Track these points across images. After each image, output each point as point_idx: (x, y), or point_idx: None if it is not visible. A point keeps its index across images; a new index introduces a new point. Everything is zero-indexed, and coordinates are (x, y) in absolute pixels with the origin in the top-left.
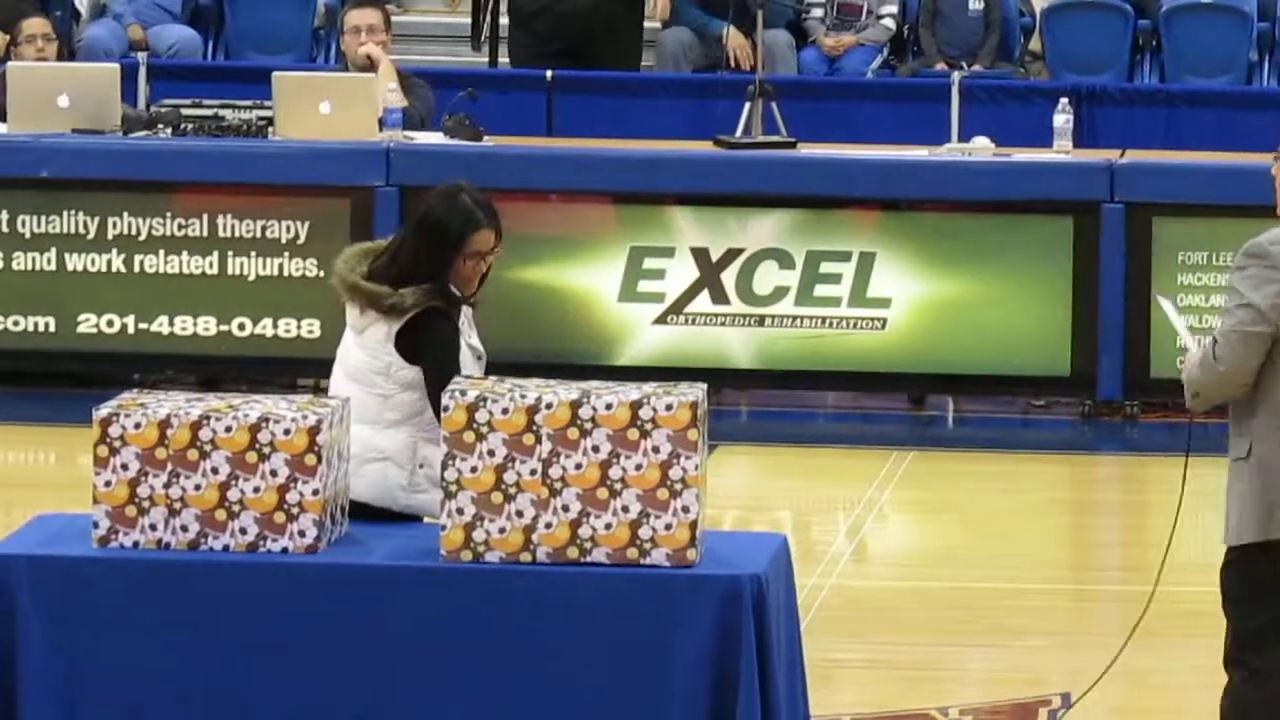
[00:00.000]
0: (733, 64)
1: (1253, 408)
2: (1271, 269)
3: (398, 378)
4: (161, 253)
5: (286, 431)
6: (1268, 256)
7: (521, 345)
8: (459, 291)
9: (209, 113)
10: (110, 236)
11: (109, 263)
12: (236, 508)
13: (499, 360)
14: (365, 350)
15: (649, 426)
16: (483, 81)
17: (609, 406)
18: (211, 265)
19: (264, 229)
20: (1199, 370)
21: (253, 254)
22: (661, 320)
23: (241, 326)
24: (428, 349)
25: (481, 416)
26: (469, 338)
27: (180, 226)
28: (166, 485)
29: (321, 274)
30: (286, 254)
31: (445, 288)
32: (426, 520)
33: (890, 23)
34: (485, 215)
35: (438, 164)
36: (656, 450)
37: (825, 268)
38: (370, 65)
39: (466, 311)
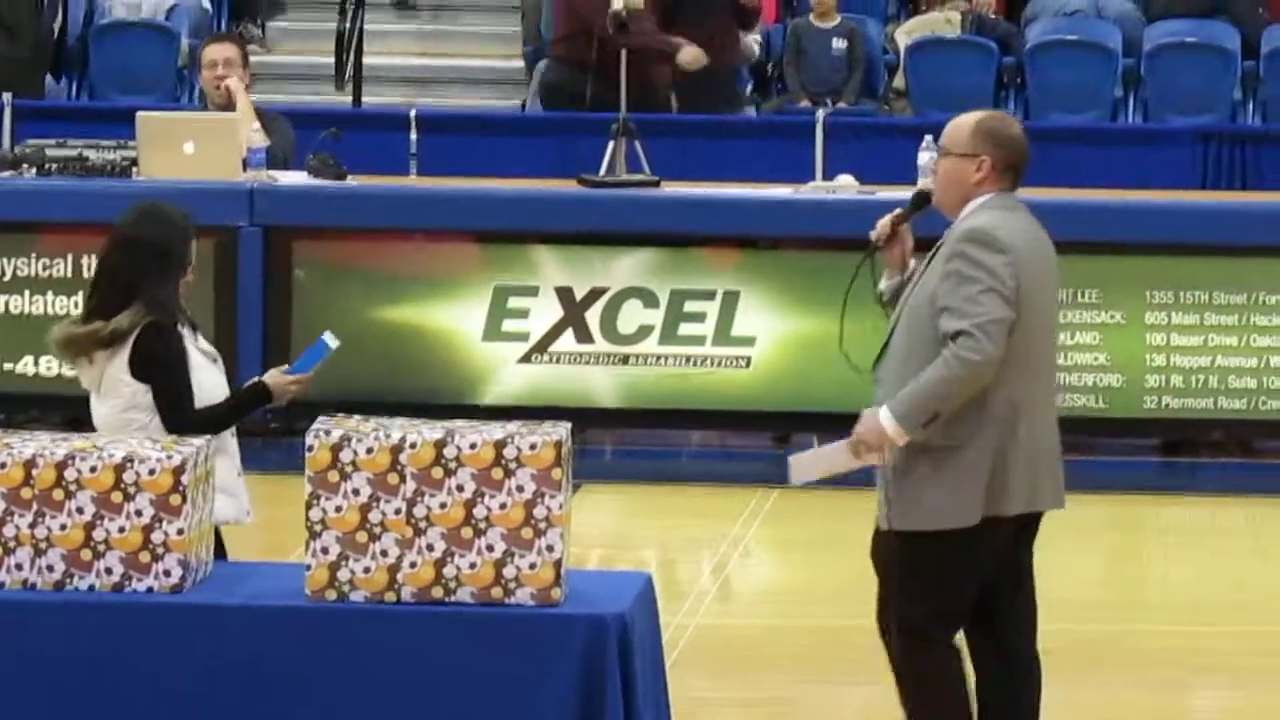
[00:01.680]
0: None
1: (985, 395)
2: (1002, 253)
3: (144, 403)
4: (26, 293)
5: (151, 471)
6: (996, 243)
7: (386, 385)
8: (177, 300)
9: (73, 153)
10: None
11: None
12: (102, 548)
13: (364, 400)
14: (108, 400)
15: (513, 466)
16: (346, 121)
17: (473, 446)
18: (76, 305)
19: None
20: (959, 374)
21: None
22: (526, 359)
23: None
24: (156, 364)
25: (346, 456)
26: (197, 343)
27: (45, 266)
28: (32, 525)
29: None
30: None
31: (167, 303)
32: (224, 527)
33: (755, 46)
34: (192, 227)
35: (301, 204)
36: (521, 489)
37: (689, 306)
38: (229, 101)
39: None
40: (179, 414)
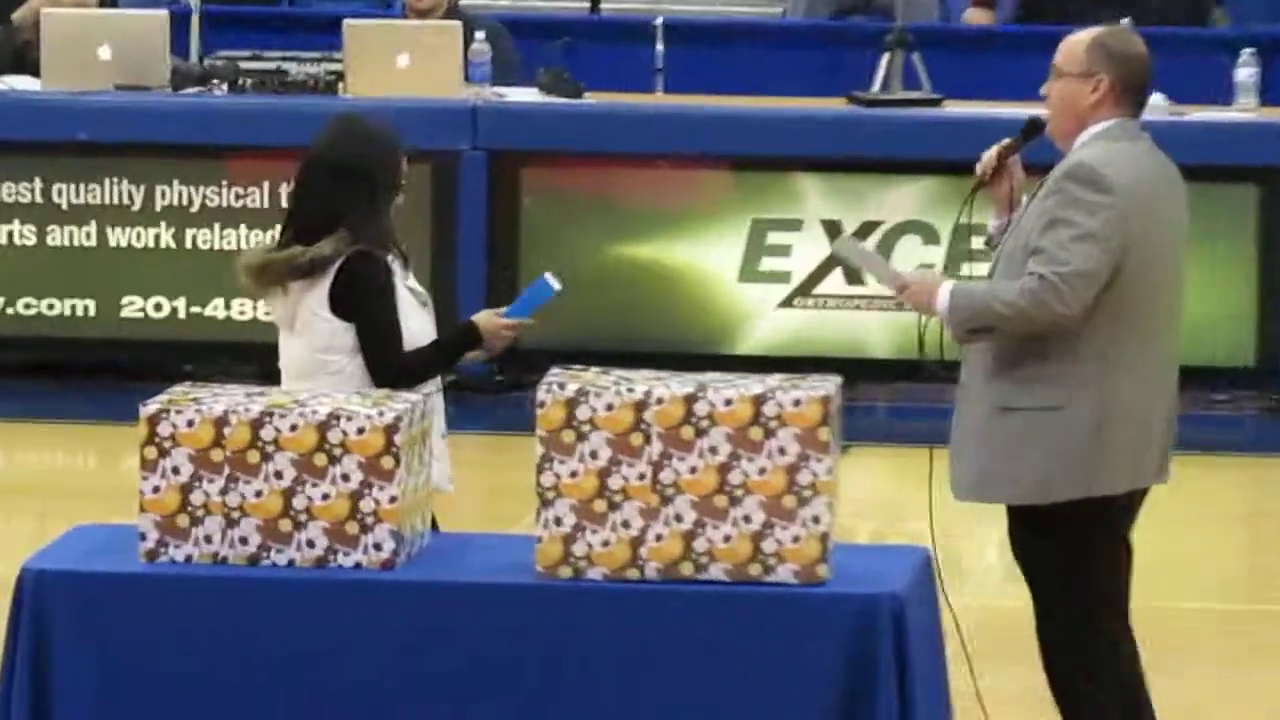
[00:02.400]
0: None
1: (1074, 351)
2: (1106, 193)
3: (343, 343)
4: (216, 226)
5: (360, 430)
6: (1100, 181)
7: (627, 332)
8: (389, 229)
9: (270, 66)
10: (158, 208)
11: (157, 237)
12: (303, 517)
13: (603, 349)
14: (301, 336)
15: (773, 425)
16: (582, 30)
17: (728, 402)
18: (274, 240)
19: None
20: (1029, 312)
21: None
22: (787, 303)
23: None
24: (362, 298)
25: (582, 413)
26: (407, 280)
27: (238, 196)
28: (223, 492)
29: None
30: None
31: (378, 231)
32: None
33: None
34: (400, 143)
35: (532, 124)
36: (782, 452)
37: (976, 242)
38: (430, 10)
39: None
40: (385, 357)
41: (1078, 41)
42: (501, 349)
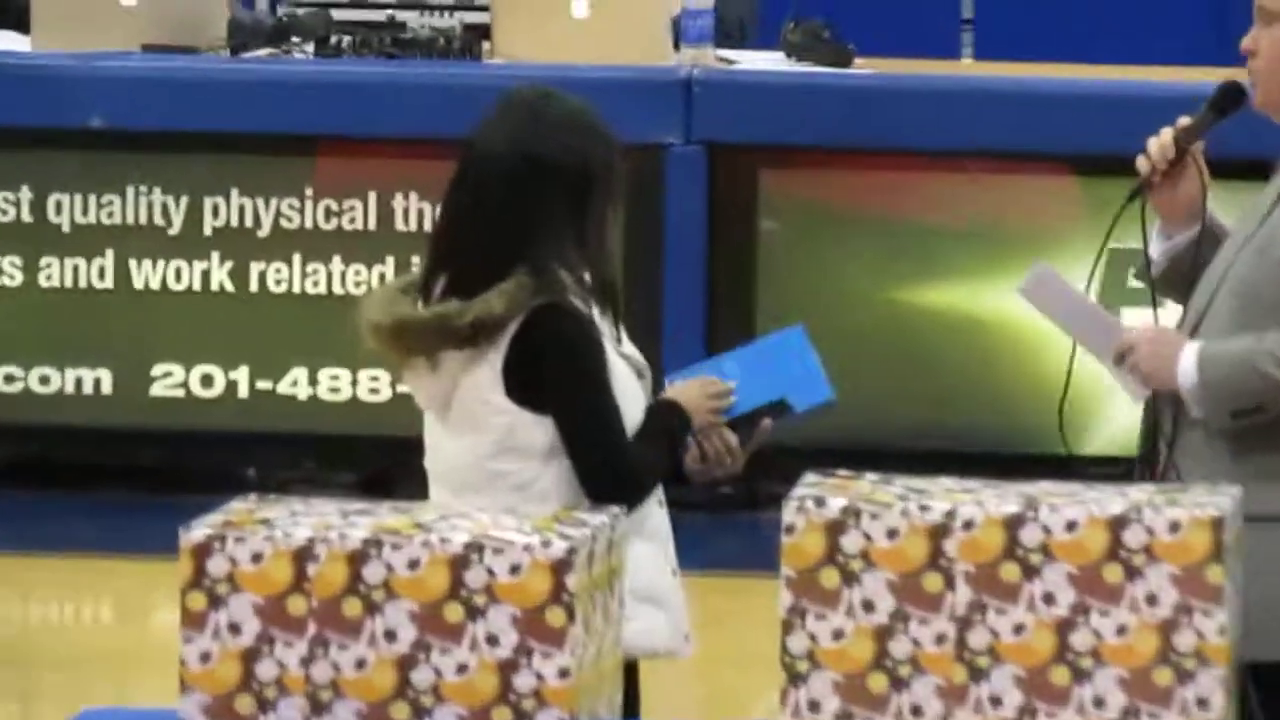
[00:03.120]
0: None
1: None
2: None
3: (530, 444)
4: (296, 259)
5: (514, 568)
6: None
7: (917, 417)
8: (601, 268)
9: (379, 17)
10: (208, 230)
11: (206, 275)
12: (428, 700)
13: (879, 443)
14: (465, 433)
15: (1139, 561)
16: None
17: (1070, 526)
18: (384, 279)
19: None
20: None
21: None
22: None
23: None
24: (558, 377)
25: (851, 544)
26: (620, 345)
27: (330, 213)
28: (306, 661)
29: None
30: None
31: (588, 269)
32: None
33: None
34: (616, 137)
35: (774, 105)
36: (1153, 601)
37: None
38: None
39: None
40: (606, 458)
41: None
42: (731, 462)
